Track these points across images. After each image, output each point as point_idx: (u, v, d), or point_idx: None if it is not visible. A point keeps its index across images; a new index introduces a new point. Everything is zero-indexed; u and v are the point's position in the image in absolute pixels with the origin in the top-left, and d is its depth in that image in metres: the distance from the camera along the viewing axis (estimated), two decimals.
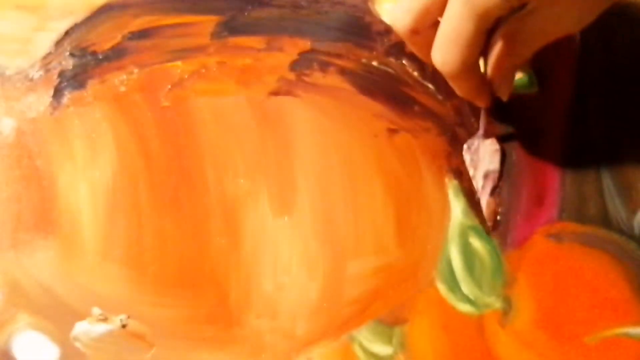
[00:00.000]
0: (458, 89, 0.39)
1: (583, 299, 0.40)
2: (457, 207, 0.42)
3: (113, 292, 0.40)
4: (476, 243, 0.41)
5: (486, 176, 0.42)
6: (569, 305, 0.40)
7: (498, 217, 0.41)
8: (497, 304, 0.40)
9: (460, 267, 0.41)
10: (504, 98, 0.40)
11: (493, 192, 0.42)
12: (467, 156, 0.42)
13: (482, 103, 0.40)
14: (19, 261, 0.40)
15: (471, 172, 0.42)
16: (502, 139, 0.42)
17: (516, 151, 0.42)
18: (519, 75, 0.43)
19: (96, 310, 0.39)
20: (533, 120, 0.43)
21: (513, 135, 0.42)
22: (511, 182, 0.42)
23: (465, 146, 0.42)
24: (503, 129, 0.42)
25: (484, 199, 0.42)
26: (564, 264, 0.41)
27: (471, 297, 0.40)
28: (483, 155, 0.42)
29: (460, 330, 0.40)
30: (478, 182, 0.42)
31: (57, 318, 0.39)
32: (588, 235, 0.41)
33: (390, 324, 0.40)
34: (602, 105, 0.43)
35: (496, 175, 0.42)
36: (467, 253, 0.41)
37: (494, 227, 0.41)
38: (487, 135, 0.42)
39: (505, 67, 0.38)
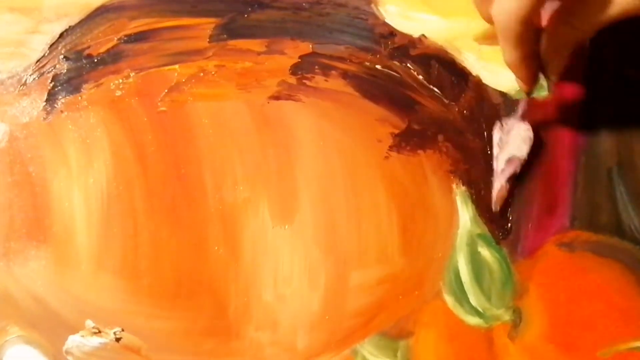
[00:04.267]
0: (507, 54, 0.37)
1: (596, 310, 0.39)
2: (465, 214, 0.41)
3: (107, 304, 0.39)
4: (485, 252, 0.40)
5: (509, 161, 0.40)
6: (581, 318, 0.39)
7: (510, 228, 0.40)
8: (506, 316, 0.39)
9: (468, 277, 0.40)
10: (553, 78, 0.38)
11: (510, 179, 0.40)
12: (497, 135, 0.41)
13: (525, 77, 0.38)
14: (11, 271, 0.39)
15: (495, 152, 0.41)
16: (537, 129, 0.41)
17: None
18: None
19: (89, 323, 0.39)
20: (543, 126, 0.42)
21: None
22: (522, 190, 0.41)
23: (498, 124, 0.41)
24: (542, 116, 0.41)
25: (499, 182, 0.40)
26: (576, 274, 0.40)
27: (479, 309, 0.39)
28: (514, 139, 0.40)
29: (468, 343, 0.39)
30: (499, 164, 0.40)
31: (49, 331, 0.39)
32: (601, 244, 0.40)
33: (394, 337, 0.39)
34: (614, 112, 0.42)
35: (520, 162, 0.40)
36: (476, 263, 0.40)
37: (500, 212, 0.40)
38: (523, 118, 0.40)
39: (562, 39, 0.37)
